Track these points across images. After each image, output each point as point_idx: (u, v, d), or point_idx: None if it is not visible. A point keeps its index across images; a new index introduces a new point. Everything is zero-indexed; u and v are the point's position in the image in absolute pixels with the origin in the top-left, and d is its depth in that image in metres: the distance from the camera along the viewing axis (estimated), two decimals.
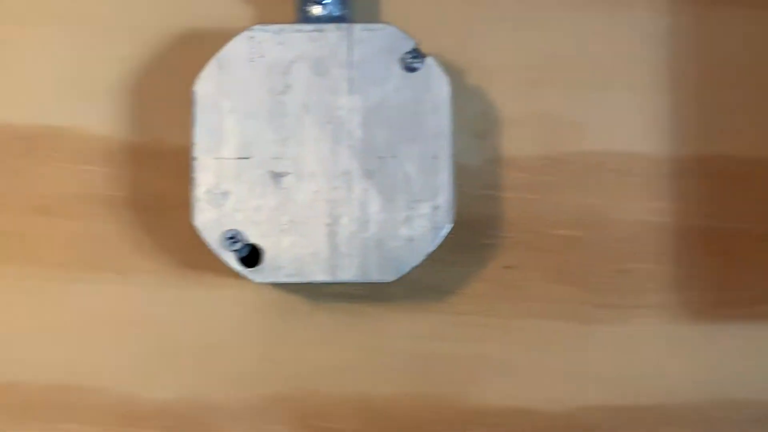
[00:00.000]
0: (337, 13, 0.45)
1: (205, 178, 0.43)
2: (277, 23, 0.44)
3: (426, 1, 0.47)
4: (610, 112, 0.47)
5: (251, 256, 0.43)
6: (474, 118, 0.47)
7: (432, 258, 0.44)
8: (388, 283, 0.43)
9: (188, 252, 0.47)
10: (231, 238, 0.43)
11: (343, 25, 0.44)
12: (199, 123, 0.43)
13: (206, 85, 0.44)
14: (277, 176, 0.43)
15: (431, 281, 0.46)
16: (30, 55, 0.47)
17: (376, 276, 0.43)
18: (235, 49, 0.44)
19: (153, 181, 0.47)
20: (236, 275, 0.46)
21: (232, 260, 0.43)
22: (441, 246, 0.43)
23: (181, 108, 0.47)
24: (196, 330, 0.47)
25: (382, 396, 0.46)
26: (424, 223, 0.43)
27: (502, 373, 0.46)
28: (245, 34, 0.44)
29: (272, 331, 0.47)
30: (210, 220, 0.43)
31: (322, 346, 0.47)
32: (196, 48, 0.47)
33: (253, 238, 0.43)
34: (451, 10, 0.47)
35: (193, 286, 0.47)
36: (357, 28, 0.44)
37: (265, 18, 0.47)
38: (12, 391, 0.46)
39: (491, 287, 0.47)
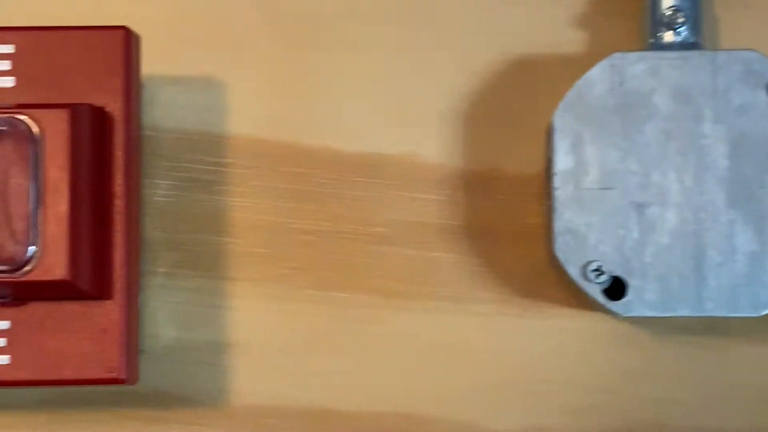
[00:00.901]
0: (691, 39, 0.44)
1: (566, 209, 0.43)
2: (628, 51, 0.43)
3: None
4: None
5: (613, 289, 0.42)
6: None
7: None
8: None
9: (524, 281, 0.46)
10: (596, 270, 0.42)
11: (707, 52, 0.43)
12: (559, 153, 0.43)
13: (566, 115, 0.43)
14: (640, 207, 0.42)
15: None
16: (363, 82, 0.47)
17: (746, 311, 0.42)
18: (596, 77, 0.43)
19: (489, 209, 0.46)
20: (575, 305, 0.45)
21: (596, 293, 0.42)
22: None
23: (516, 135, 0.46)
24: (534, 360, 0.46)
25: (728, 431, 0.45)
26: None
27: None
28: (605, 62, 0.43)
29: (611, 363, 0.46)
30: (572, 252, 0.42)
31: (663, 378, 0.46)
32: (527, 74, 0.47)
33: (617, 270, 0.42)
34: None
35: (531, 315, 0.46)
36: (720, 54, 0.43)
37: (598, 44, 0.46)
38: (346, 419, 0.46)
39: None
